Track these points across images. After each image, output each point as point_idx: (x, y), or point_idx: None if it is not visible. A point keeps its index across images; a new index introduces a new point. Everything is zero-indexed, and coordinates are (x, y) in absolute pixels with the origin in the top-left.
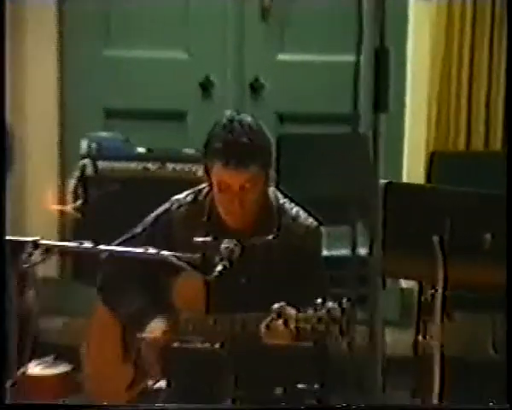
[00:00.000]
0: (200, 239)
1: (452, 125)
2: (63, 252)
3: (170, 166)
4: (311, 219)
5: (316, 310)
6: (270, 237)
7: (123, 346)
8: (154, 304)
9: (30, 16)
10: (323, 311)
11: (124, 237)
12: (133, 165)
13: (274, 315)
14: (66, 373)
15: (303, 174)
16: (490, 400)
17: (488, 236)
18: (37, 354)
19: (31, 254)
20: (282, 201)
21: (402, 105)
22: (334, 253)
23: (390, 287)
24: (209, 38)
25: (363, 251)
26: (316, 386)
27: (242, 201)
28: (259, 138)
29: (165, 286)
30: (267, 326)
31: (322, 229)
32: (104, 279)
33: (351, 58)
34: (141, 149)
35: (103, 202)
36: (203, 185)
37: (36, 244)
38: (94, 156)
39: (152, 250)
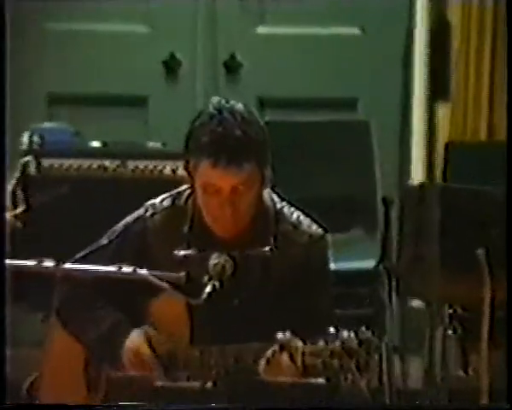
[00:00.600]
0: (182, 252)
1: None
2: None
3: (131, 163)
4: (314, 226)
5: (327, 342)
6: (267, 248)
7: (86, 384)
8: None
9: None
10: (337, 342)
11: (86, 251)
12: (86, 162)
13: (276, 348)
14: None
15: (290, 170)
16: None
17: None
18: None
19: None
20: (279, 205)
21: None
22: (345, 266)
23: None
24: (175, 7)
25: (370, 264)
26: None
27: (234, 206)
28: (254, 130)
29: (139, 309)
30: (268, 360)
31: (329, 237)
32: (63, 300)
33: (344, 31)
34: (94, 144)
35: (49, 209)
36: (183, 187)
37: None
38: (37, 152)
39: (127, 269)
